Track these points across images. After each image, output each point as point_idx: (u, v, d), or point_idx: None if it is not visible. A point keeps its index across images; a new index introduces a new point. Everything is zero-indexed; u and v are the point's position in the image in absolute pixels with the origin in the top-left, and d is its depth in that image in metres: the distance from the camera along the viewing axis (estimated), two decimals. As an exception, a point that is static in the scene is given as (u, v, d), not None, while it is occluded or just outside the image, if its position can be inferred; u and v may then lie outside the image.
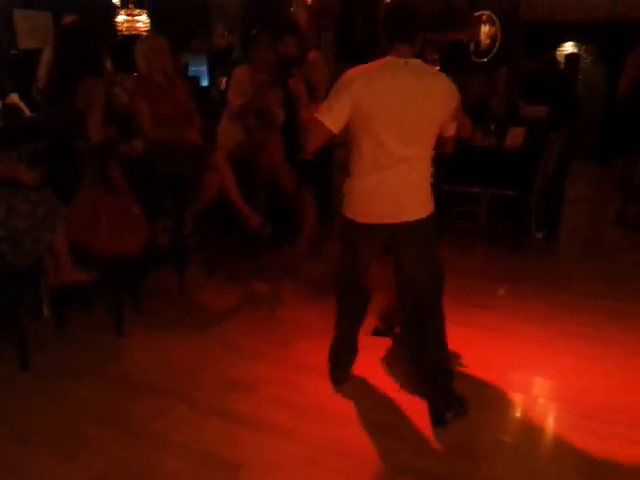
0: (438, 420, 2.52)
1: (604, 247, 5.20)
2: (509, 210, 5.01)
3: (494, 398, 2.78)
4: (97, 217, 3.07)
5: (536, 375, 3.00)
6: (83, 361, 3.09)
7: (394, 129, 2.34)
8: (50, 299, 3.41)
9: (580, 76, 9.49)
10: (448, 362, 2.65)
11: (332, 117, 2.36)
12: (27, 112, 3.82)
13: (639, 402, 2.75)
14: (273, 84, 4.18)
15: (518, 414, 2.75)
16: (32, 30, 4.94)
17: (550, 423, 2.67)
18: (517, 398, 2.81)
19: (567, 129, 4.83)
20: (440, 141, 2.55)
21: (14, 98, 3.82)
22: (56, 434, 2.51)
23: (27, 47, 5.07)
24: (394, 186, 2.42)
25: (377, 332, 3.27)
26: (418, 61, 2.39)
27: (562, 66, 7.83)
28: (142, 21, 5.10)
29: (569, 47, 9.72)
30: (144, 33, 4.98)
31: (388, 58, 2.38)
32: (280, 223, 4.38)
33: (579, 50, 9.77)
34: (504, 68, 5.59)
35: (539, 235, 5.12)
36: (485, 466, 2.34)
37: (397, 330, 3.16)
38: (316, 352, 3.13)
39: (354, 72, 2.39)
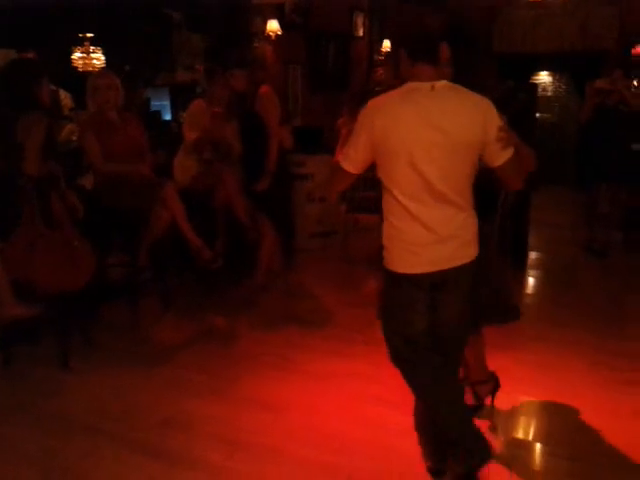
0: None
1: (570, 274, 5.18)
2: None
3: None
4: (35, 252, 3.04)
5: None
6: (24, 398, 3.02)
7: (426, 162, 2.05)
8: (-3, 335, 3.36)
9: (556, 104, 9.69)
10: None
11: (351, 161, 2.15)
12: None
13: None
14: (228, 117, 4.21)
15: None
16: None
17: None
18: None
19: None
20: (496, 175, 2.15)
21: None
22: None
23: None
24: (436, 229, 2.10)
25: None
26: (446, 82, 2.09)
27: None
28: (97, 58, 5.18)
29: (544, 76, 9.90)
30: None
31: (410, 84, 2.10)
32: (238, 255, 4.36)
33: (553, 79, 9.95)
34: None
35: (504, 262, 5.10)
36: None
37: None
38: (262, 387, 3.09)
39: (373, 107, 2.12)
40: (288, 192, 4.67)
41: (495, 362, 3.29)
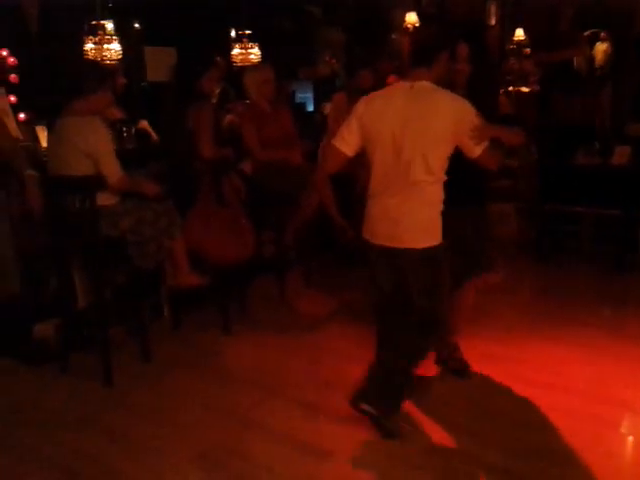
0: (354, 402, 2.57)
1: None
2: (613, 230, 4.89)
3: (597, 412, 2.78)
4: (209, 227, 3.46)
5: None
6: (194, 355, 3.47)
7: (396, 152, 2.37)
8: (169, 301, 3.84)
9: None
10: (398, 368, 2.60)
11: (344, 142, 2.50)
12: (154, 137, 4.35)
13: None
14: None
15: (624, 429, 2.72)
16: (159, 64, 5.54)
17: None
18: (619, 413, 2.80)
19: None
20: (477, 162, 2.47)
21: (144, 124, 4.37)
22: (168, 415, 2.86)
23: (155, 79, 5.73)
24: (396, 210, 2.43)
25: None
26: (425, 83, 2.39)
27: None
28: (254, 53, 5.64)
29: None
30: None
31: (398, 83, 2.47)
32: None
33: None
34: (609, 86, 5.47)
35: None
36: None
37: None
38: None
39: (365, 99, 2.50)
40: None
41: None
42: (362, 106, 2.48)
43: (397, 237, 2.45)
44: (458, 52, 2.67)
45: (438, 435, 2.63)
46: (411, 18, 6.27)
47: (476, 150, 2.43)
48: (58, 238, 3.16)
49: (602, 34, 8.08)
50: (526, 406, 2.84)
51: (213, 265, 3.58)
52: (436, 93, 2.40)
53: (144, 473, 2.46)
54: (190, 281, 3.52)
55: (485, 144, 2.44)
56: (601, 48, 8.14)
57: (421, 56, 2.42)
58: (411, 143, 2.35)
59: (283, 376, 3.18)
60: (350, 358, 3.31)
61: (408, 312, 2.63)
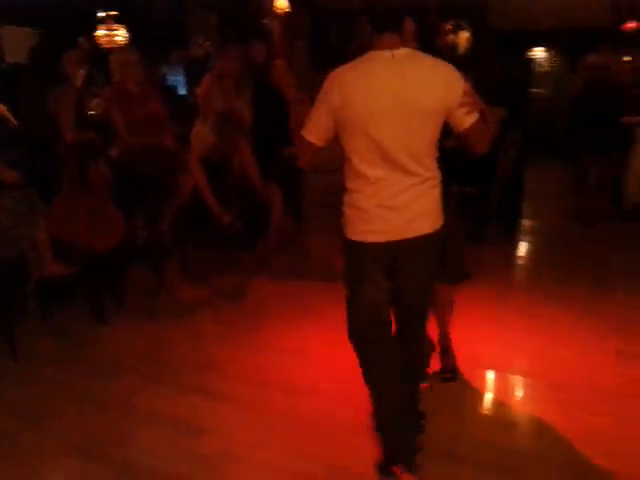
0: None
1: (559, 239, 5.52)
2: (470, 206, 5.33)
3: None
4: (75, 214, 3.35)
5: (493, 348, 3.27)
6: (67, 349, 3.38)
7: (385, 132, 2.05)
8: (35, 293, 3.67)
9: (551, 79, 9.96)
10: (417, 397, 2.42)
11: (313, 131, 2.16)
12: (13, 121, 4.11)
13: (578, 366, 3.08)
14: (239, 89, 4.47)
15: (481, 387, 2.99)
16: (19, 45, 5.19)
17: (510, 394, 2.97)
18: (474, 370, 3.06)
19: (522, 129, 5.16)
20: (462, 140, 2.15)
21: (1, 108, 4.10)
22: (44, 412, 2.78)
23: (14, 61, 5.35)
24: (395, 198, 2.11)
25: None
26: (407, 50, 2.08)
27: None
28: (121, 35, 5.44)
29: (539, 52, 10.15)
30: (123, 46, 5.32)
31: (371, 52, 2.09)
32: (252, 220, 4.66)
33: (549, 54, 10.21)
34: (469, 72, 5.90)
35: (498, 228, 5.45)
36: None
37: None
38: (279, 335, 3.45)
39: (331, 77, 2.12)
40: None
41: (493, 308, 3.74)
42: (332, 87, 2.08)
43: (402, 228, 2.14)
44: (405, 28, 2.26)
45: (302, 406, 2.77)
46: (281, 3, 6.35)
47: (467, 120, 2.09)
48: None
49: (464, 24, 8.71)
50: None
51: (80, 253, 3.48)
52: (422, 58, 2.11)
53: (21, 472, 2.40)
54: (55, 270, 3.41)
55: (476, 115, 2.11)
56: (464, 36, 8.76)
57: (389, 19, 2.08)
58: (407, 117, 2.03)
59: (162, 362, 3.19)
60: (224, 341, 3.42)
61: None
